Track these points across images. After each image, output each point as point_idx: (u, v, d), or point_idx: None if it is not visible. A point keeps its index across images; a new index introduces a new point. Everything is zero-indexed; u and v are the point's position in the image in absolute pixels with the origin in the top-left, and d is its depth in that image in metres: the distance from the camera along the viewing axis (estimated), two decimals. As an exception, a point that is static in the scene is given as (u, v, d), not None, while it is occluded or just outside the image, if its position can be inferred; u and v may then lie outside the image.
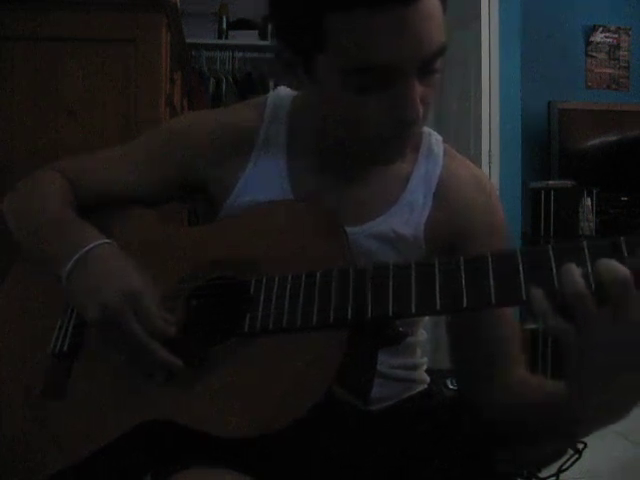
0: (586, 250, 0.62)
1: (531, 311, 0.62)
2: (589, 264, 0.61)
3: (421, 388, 0.95)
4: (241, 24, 4.25)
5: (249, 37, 4.20)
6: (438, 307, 0.67)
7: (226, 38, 4.20)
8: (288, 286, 0.75)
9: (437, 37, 0.72)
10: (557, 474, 0.82)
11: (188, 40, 2.93)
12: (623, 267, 0.59)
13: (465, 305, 0.66)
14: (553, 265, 0.63)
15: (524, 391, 0.82)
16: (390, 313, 0.69)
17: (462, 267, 0.67)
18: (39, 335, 0.86)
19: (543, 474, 0.83)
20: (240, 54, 4.20)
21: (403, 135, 0.78)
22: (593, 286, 0.60)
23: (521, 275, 0.64)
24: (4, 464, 0.81)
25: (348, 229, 0.79)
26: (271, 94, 0.95)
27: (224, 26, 4.21)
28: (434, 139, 0.92)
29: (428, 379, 0.97)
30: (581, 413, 0.68)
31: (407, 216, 0.87)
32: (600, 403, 0.66)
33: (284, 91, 0.95)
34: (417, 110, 0.74)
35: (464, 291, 0.66)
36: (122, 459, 0.75)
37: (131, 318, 0.76)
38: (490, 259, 0.66)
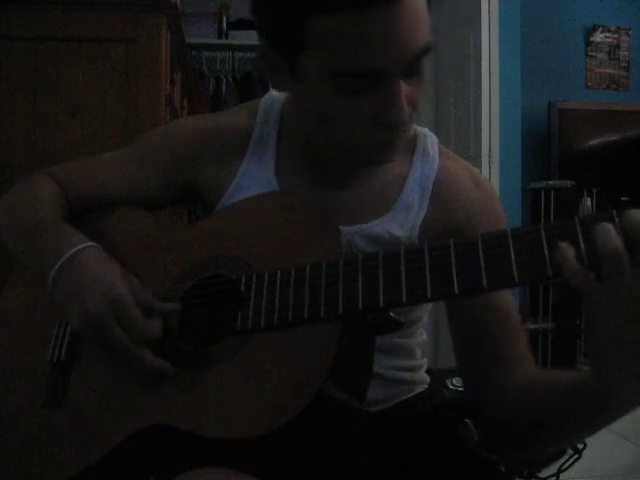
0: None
1: (558, 272, 0.60)
2: (617, 221, 0.59)
3: (421, 389, 0.95)
4: (241, 24, 4.25)
5: (249, 37, 4.20)
6: (429, 295, 0.66)
7: (226, 38, 4.20)
8: (278, 282, 0.74)
9: (422, 37, 0.71)
10: (557, 474, 0.82)
11: (188, 40, 2.93)
12: None
13: (457, 291, 0.64)
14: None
15: (537, 387, 0.79)
16: (381, 303, 0.68)
17: (452, 252, 0.66)
18: (40, 342, 0.86)
19: (543, 474, 0.83)
20: (240, 54, 4.20)
21: (391, 137, 0.77)
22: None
23: (512, 257, 0.62)
24: (13, 472, 0.80)
25: (342, 228, 0.77)
26: (264, 97, 0.95)
27: (224, 26, 4.21)
28: (429, 141, 0.92)
29: (428, 379, 0.97)
30: (611, 386, 0.64)
31: (403, 219, 0.86)
32: (627, 369, 0.63)
33: (276, 93, 0.94)
34: (403, 111, 0.73)
35: (455, 276, 0.65)
36: (125, 462, 0.75)
37: (113, 324, 0.75)
38: (481, 241, 0.65)
